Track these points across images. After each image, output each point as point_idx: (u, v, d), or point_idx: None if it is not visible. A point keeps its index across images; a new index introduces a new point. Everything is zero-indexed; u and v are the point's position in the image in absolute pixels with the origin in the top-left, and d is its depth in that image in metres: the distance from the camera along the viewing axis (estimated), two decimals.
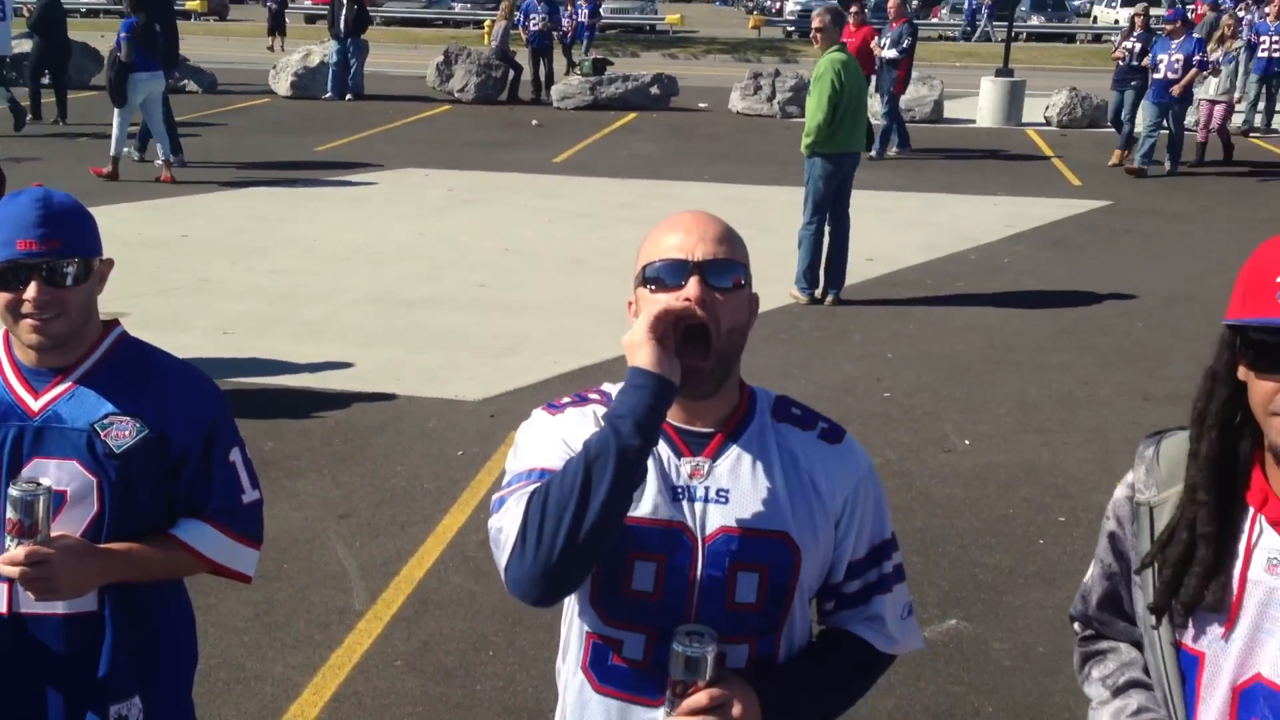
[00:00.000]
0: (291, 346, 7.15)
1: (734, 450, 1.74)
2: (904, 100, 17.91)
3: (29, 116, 15.12)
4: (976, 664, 4.04)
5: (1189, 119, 14.95)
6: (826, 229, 8.27)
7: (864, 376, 6.88)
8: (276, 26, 29.93)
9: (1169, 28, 13.40)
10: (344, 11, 18.87)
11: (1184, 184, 13.32)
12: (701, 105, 19.56)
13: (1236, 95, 15.14)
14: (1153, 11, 15.06)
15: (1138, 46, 13.96)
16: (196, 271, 8.74)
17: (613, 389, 1.82)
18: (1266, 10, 18.49)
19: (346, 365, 6.87)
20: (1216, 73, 13.78)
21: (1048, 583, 4.55)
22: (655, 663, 1.71)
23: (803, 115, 8.45)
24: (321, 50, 19.91)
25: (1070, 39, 40.93)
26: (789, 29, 40.13)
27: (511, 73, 19.88)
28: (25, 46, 16.37)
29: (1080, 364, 7.16)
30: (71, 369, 2.15)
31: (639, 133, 16.67)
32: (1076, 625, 1.88)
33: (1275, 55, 16.14)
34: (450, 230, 10.37)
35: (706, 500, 1.71)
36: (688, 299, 1.64)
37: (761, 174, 13.19)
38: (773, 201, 11.42)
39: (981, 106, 18.35)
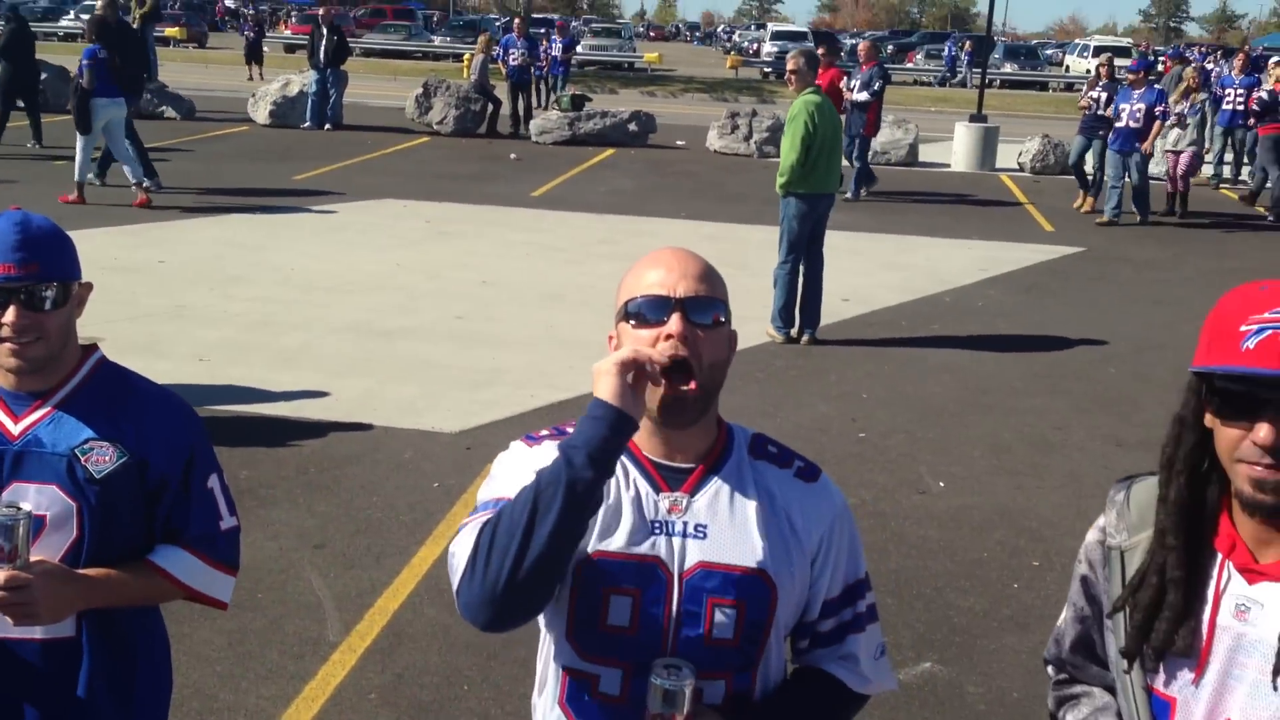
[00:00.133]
0: (268, 375, 7.12)
1: (712, 486, 1.76)
2: (879, 143, 18.17)
3: None
4: (951, 708, 4.05)
5: (1156, 168, 15.20)
6: (801, 268, 8.34)
7: (839, 416, 6.92)
8: (253, 56, 29.96)
9: (1131, 77, 13.65)
10: (324, 42, 18.95)
11: (1155, 233, 13.52)
12: (679, 143, 19.70)
13: (1206, 147, 15.42)
14: (1118, 61, 15.32)
15: (1104, 96, 14.22)
16: (173, 298, 8.70)
17: None
18: (1233, 64, 18.91)
19: (323, 394, 6.85)
20: (1182, 125, 14.02)
21: (1022, 627, 4.57)
22: (632, 698, 1.71)
23: (779, 155, 8.54)
24: (301, 80, 19.95)
25: (1043, 87, 41.59)
26: (766, 70, 40.57)
27: (490, 106, 19.97)
28: None
29: (1053, 408, 7.23)
30: (51, 393, 2.15)
31: (617, 169, 16.76)
32: (1050, 669, 1.90)
33: (1239, 108, 16.47)
34: (428, 262, 10.38)
35: (685, 535, 1.72)
36: (669, 335, 1.66)
37: (738, 212, 13.28)
38: (749, 240, 11.51)
39: (956, 151, 18.59)
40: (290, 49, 39.22)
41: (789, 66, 8.43)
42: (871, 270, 10.78)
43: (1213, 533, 1.59)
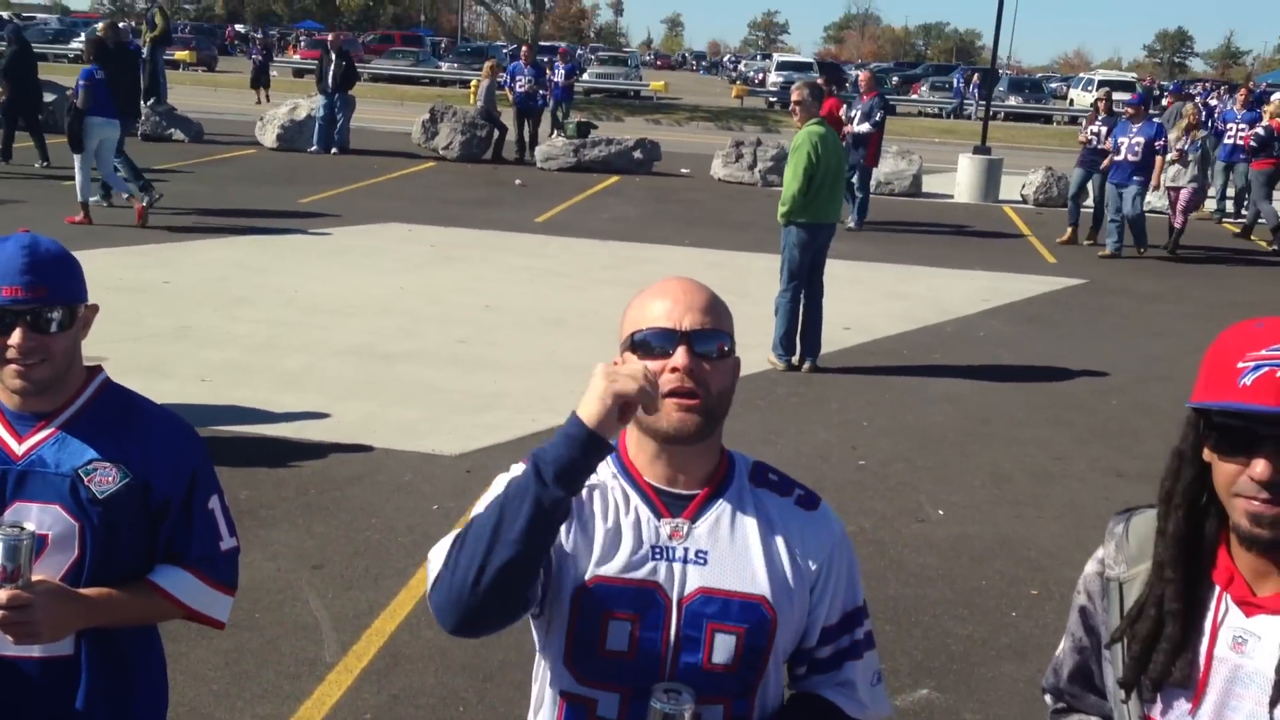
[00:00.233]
0: (270, 396, 7.14)
1: (713, 513, 1.77)
2: (883, 174, 18.26)
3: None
4: None
5: (1159, 202, 15.25)
6: (802, 297, 8.36)
7: (839, 444, 6.93)
8: (260, 80, 30.16)
9: (1130, 111, 13.71)
10: (332, 67, 19.08)
11: (1156, 265, 13.55)
12: (683, 171, 19.79)
13: (1208, 182, 15.47)
14: (1119, 96, 15.37)
15: (1103, 130, 14.29)
16: (178, 318, 8.74)
17: None
18: (1236, 98, 19.00)
19: (324, 416, 6.86)
20: (1183, 162, 14.08)
21: (1020, 655, 4.56)
22: None
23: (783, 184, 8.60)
24: (308, 104, 20.08)
25: (1047, 120, 41.77)
26: (771, 99, 40.81)
27: (496, 132, 20.09)
28: None
29: (1054, 438, 7.23)
30: (56, 414, 2.16)
31: (621, 196, 16.84)
32: (1048, 698, 1.91)
33: (1240, 143, 16.55)
34: (431, 286, 10.42)
35: (685, 561, 1.73)
36: (675, 368, 1.68)
37: (742, 240, 13.33)
38: (752, 268, 11.55)
39: (959, 182, 18.66)
40: (299, 73, 39.52)
41: (793, 98, 8.49)
42: (874, 299, 10.81)
43: (1210, 566, 1.61)
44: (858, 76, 16.61)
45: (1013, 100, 42.17)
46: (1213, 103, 26.68)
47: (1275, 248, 14.78)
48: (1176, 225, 14.13)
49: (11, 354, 2.06)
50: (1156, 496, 1.65)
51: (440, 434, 6.67)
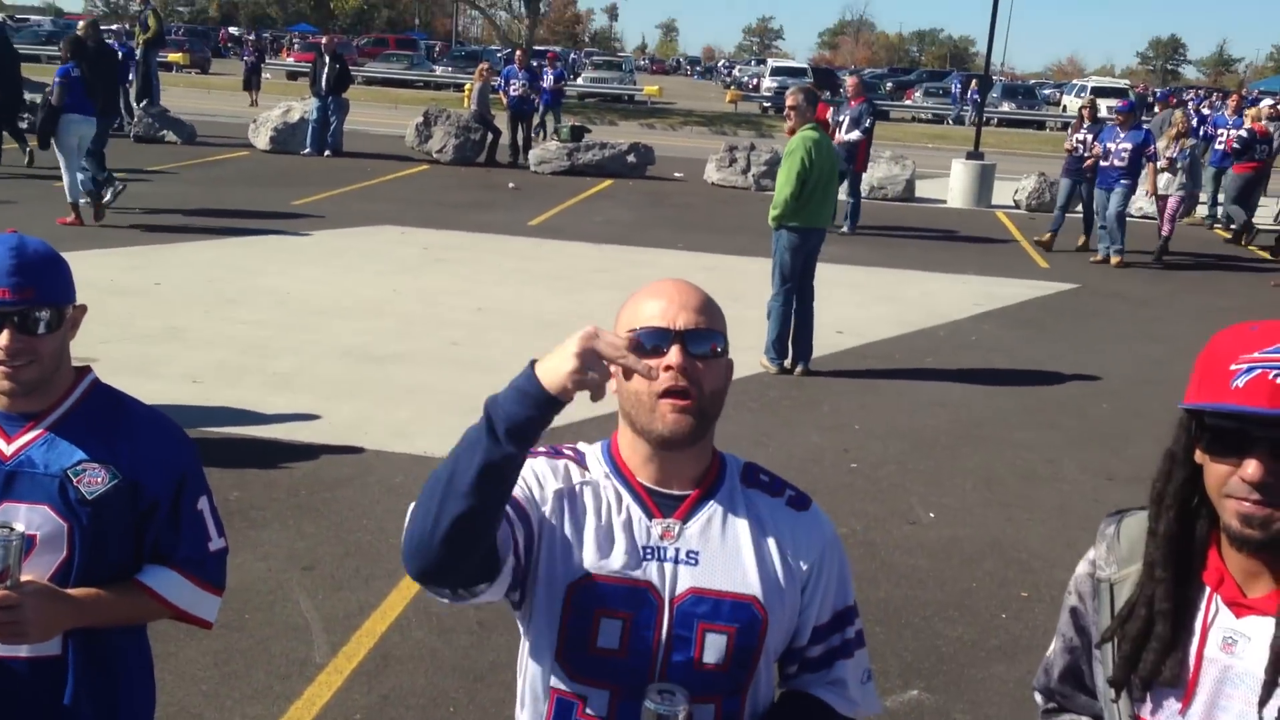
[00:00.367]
0: (261, 397, 7.12)
1: (704, 513, 1.78)
2: (877, 179, 18.29)
3: None
4: None
5: (1147, 207, 15.28)
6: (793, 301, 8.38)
7: (831, 447, 6.93)
8: (251, 82, 30.14)
9: (1119, 118, 13.73)
10: (326, 69, 19.08)
11: (1148, 271, 13.58)
12: (677, 175, 19.81)
13: (1199, 189, 15.54)
14: (1110, 102, 15.39)
15: (1089, 137, 14.31)
16: (168, 320, 8.72)
17: (586, 448, 1.87)
18: (1228, 105, 19.07)
19: (315, 417, 6.85)
20: (1172, 170, 14.12)
21: (1009, 657, 4.57)
22: None
23: None
24: (302, 106, 20.07)
25: (1040, 126, 41.88)
26: (765, 105, 40.86)
27: (490, 135, 20.09)
28: None
29: (1045, 442, 7.24)
30: (44, 415, 2.16)
31: (614, 199, 16.84)
32: (1039, 698, 1.92)
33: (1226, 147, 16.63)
34: (424, 288, 10.41)
35: (677, 561, 1.74)
36: (669, 366, 1.68)
37: (735, 244, 13.34)
38: (745, 271, 11.55)
39: (952, 187, 18.70)
40: (293, 76, 39.50)
41: (788, 103, 8.51)
42: (866, 303, 10.82)
43: (1201, 567, 1.62)
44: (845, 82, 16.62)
45: (1006, 106, 42.31)
46: (1205, 112, 26.76)
47: (1248, 246, 14.85)
48: (1164, 233, 14.17)
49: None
50: (1148, 498, 1.66)
51: (431, 435, 6.65)
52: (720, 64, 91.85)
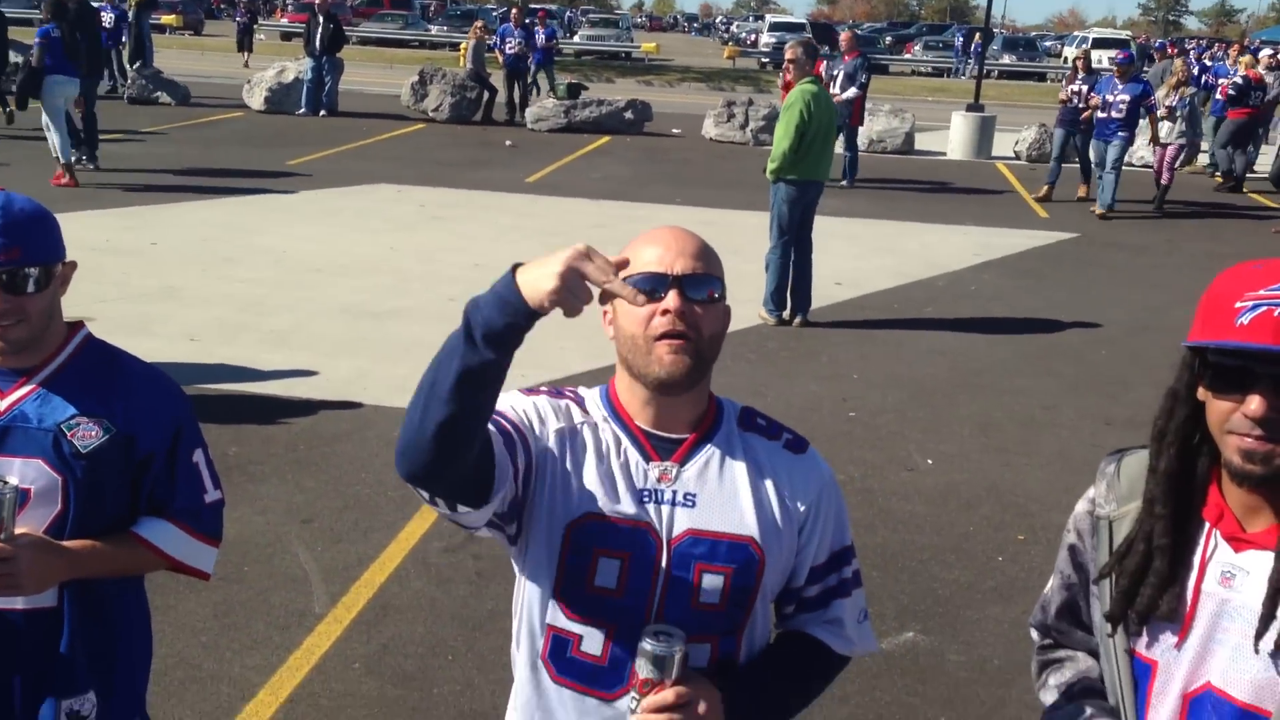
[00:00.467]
0: (258, 354, 7.12)
1: (701, 456, 1.78)
2: (876, 132, 18.19)
3: None
4: (932, 676, 4.06)
5: (1145, 155, 15.18)
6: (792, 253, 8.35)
7: (830, 396, 6.93)
8: (244, 42, 29.89)
9: (1118, 69, 13.58)
10: (320, 29, 18.91)
11: (1148, 220, 13.52)
12: (675, 131, 19.69)
13: (1198, 138, 15.43)
14: (1108, 53, 15.24)
15: (1084, 88, 14.19)
16: (164, 279, 8.70)
17: (585, 392, 1.86)
18: (1229, 54, 18.90)
19: (313, 374, 6.85)
20: (1171, 118, 14.02)
21: (1005, 598, 4.59)
22: (612, 659, 1.74)
23: None
24: (296, 67, 19.92)
25: (1040, 78, 41.56)
26: (764, 60, 40.56)
27: (486, 94, 19.95)
28: None
29: (1043, 388, 7.24)
30: (37, 370, 2.15)
31: (612, 156, 16.75)
32: (1035, 634, 1.93)
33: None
34: (421, 245, 10.37)
35: (674, 504, 1.74)
36: (667, 310, 1.68)
37: (733, 198, 13.28)
38: (743, 225, 11.49)
39: (952, 140, 18.59)
40: (286, 36, 39.16)
41: (787, 56, 8.46)
42: (866, 255, 10.79)
43: (1201, 503, 1.62)
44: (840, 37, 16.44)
45: (1006, 59, 41.98)
46: (1208, 63, 26.53)
47: (1225, 185, 14.80)
48: (1164, 181, 14.10)
49: None
50: (1149, 436, 1.66)
51: None
52: (718, 20, 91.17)
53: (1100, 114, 13.42)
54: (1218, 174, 16.46)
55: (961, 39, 44.89)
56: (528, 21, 22.66)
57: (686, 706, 1.65)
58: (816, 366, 7.49)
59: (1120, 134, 13.25)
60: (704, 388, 1.80)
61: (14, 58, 15.12)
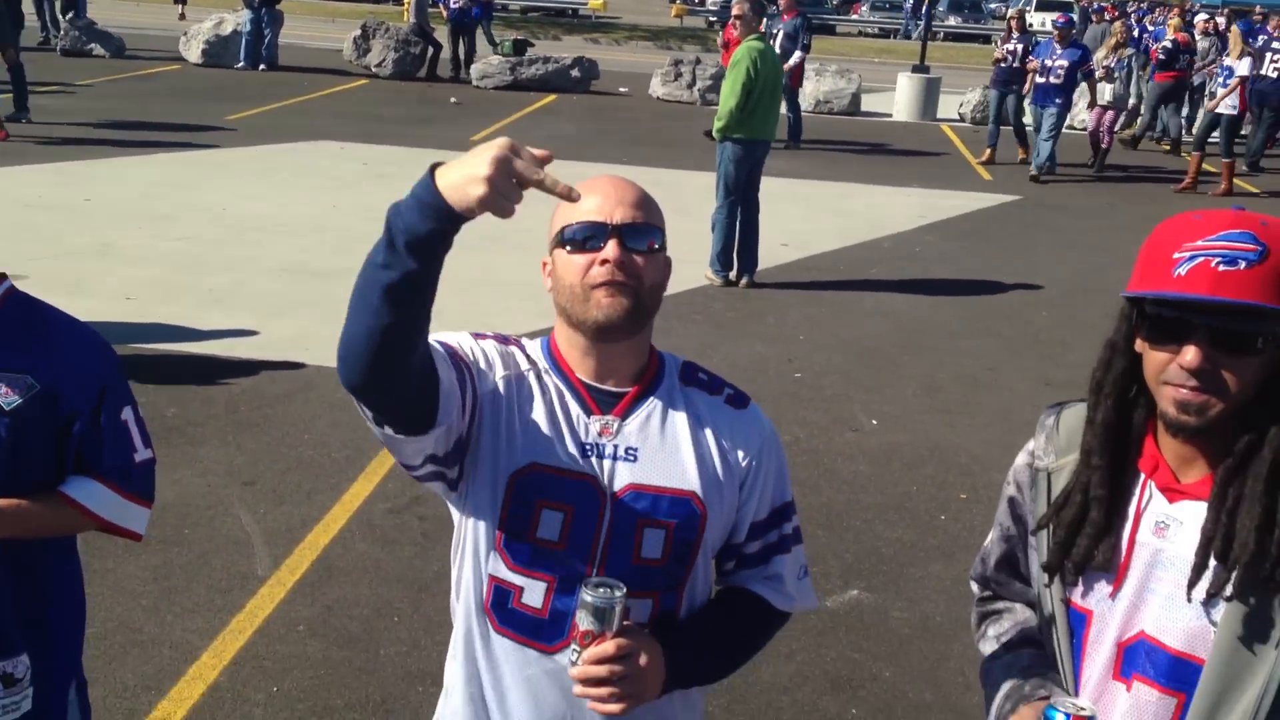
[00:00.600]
0: (197, 314, 6.99)
1: (643, 410, 1.76)
2: (823, 93, 18.18)
3: None
4: (876, 632, 4.12)
5: (1085, 118, 15.28)
6: (738, 213, 8.34)
7: (775, 357, 6.95)
8: None
9: (1057, 33, 13.61)
10: None
11: (1089, 182, 13.68)
12: (622, 90, 19.54)
13: (1133, 102, 15.55)
14: (1042, 15, 15.25)
15: (1019, 48, 14.23)
16: (99, 236, 8.50)
17: (528, 343, 1.84)
18: (1169, 18, 19.10)
19: (254, 334, 6.75)
20: (1110, 79, 14.11)
21: (947, 556, 4.65)
22: (553, 612, 1.73)
23: None
24: (235, 19, 19.46)
25: (986, 40, 41.67)
26: (711, 19, 40.26)
27: (431, 49, 19.64)
28: None
29: (986, 349, 7.32)
30: None
31: (558, 114, 16.60)
32: (975, 586, 1.95)
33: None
34: (364, 204, 10.21)
35: (615, 458, 1.73)
36: (606, 260, 1.65)
37: (680, 158, 13.22)
38: (690, 185, 11.45)
39: (898, 101, 18.63)
40: None
41: (734, 12, 8.43)
42: (812, 216, 10.80)
43: (1137, 455, 1.63)
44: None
45: (952, 20, 42.06)
46: (1148, 25, 26.77)
47: (1247, 168, 14.92)
48: (1104, 145, 14.23)
49: None
50: (1087, 388, 1.67)
51: None
52: None
53: (1039, 79, 13.47)
54: (1164, 141, 16.63)
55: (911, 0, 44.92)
56: None
57: (627, 658, 1.64)
58: (762, 327, 7.51)
59: (1057, 99, 13.31)
60: (644, 340, 1.78)
61: None
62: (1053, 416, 1.76)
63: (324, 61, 19.98)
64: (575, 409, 1.74)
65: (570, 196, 1.49)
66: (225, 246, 8.53)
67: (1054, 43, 13.53)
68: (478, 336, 1.81)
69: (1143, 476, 1.62)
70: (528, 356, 1.80)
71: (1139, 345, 1.58)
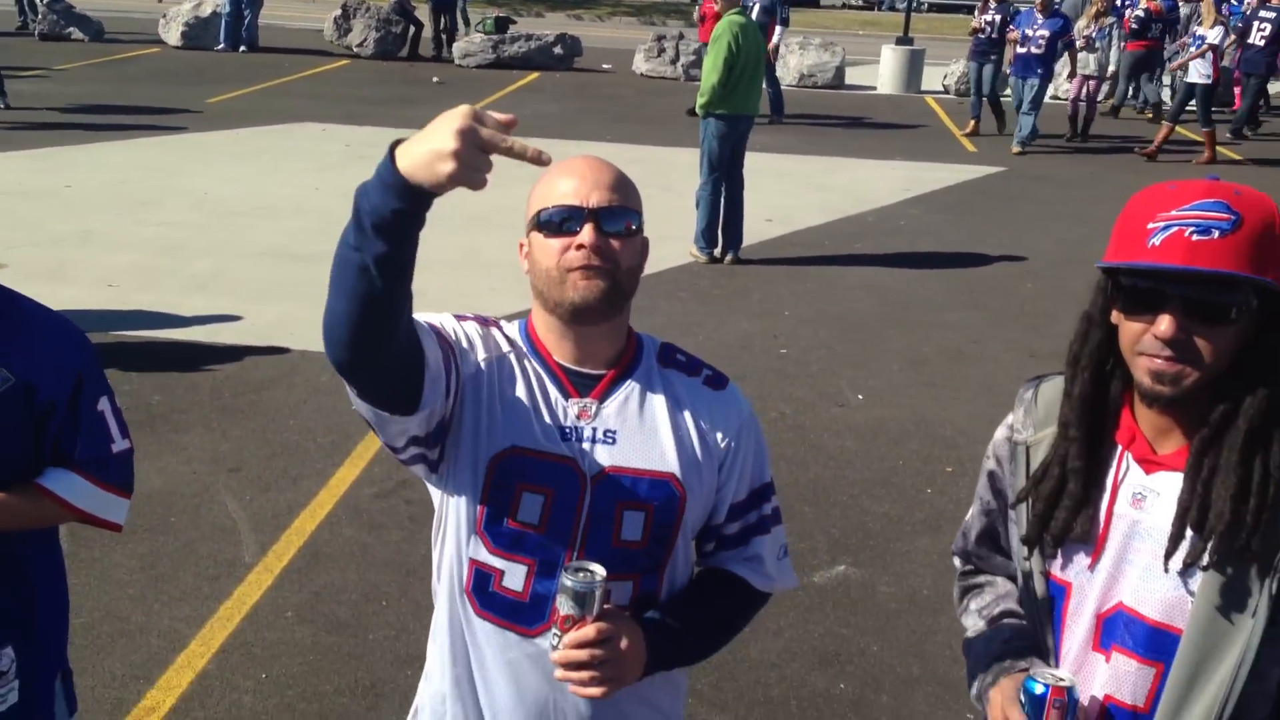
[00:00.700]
0: (179, 300, 6.95)
1: (621, 393, 1.76)
2: (806, 66, 18.12)
3: None
4: (863, 607, 4.13)
5: (1067, 88, 15.24)
6: (723, 189, 8.31)
7: (761, 333, 6.95)
8: None
9: (1040, 3, 13.50)
10: None
11: (1073, 154, 13.67)
12: (605, 66, 19.45)
13: (1112, 69, 15.52)
14: None
15: (997, 19, 14.13)
16: (80, 222, 8.44)
17: (507, 325, 1.83)
18: None
19: (237, 319, 6.71)
20: (1091, 49, 14.05)
21: (934, 530, 4.67)
22: (533, 595, 1.73)
23: None
24: (213, 0, 19.30)
25: (969, 10, 41.45)
26: None
27: (412, 28, 19.51)
28: None
29: (971, 322, 7.33)
30: None
31: (542, 92, 16.51)
32: (957, 561, 1.96)
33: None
34: (347, 186, 10.01)
35: (594, 441, 1.73)
36: (582, 245, 1.64)
37: (664, 135, 13.18)
38: (674, 162, 11.43)
39: (882, 74, 18.57)
40: None
41: None
42: (796, 191, 10.78)
43: (1114, 427, 1.64)
44: None
45: None
46: None
47: (1231, 136, 14.91)
48: (1086, 115, 14.19)
49: None
50: (1065, 361, 1.67)
51: None
52: None
53: (1020, 49, 13.39)
54: (1146, 109, 16.61)
55: None
56: None
57: (608, 642, 1.64)
58: (748, 304, 7.51)
59: (1039, 70, 13.24)
60: (622, 323, 1.77)
61: None
62: (1031, 390, 1.77)
63: (305, 42, 19.83)
64: (553, 392, 1.74)
65: (540, 160, 1.44)
66: (207, 231, 8.48)
67: (1035, 12, 13.44)
68: (459, 318, 1.81)
69: (1120, 448, 1.63)
70: (507, 338, 1.80)
71: (1115, 317, 1.58)
